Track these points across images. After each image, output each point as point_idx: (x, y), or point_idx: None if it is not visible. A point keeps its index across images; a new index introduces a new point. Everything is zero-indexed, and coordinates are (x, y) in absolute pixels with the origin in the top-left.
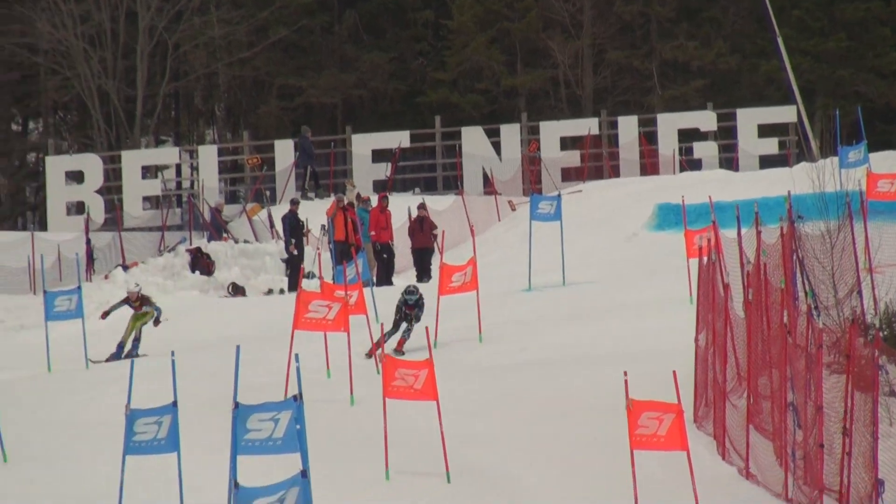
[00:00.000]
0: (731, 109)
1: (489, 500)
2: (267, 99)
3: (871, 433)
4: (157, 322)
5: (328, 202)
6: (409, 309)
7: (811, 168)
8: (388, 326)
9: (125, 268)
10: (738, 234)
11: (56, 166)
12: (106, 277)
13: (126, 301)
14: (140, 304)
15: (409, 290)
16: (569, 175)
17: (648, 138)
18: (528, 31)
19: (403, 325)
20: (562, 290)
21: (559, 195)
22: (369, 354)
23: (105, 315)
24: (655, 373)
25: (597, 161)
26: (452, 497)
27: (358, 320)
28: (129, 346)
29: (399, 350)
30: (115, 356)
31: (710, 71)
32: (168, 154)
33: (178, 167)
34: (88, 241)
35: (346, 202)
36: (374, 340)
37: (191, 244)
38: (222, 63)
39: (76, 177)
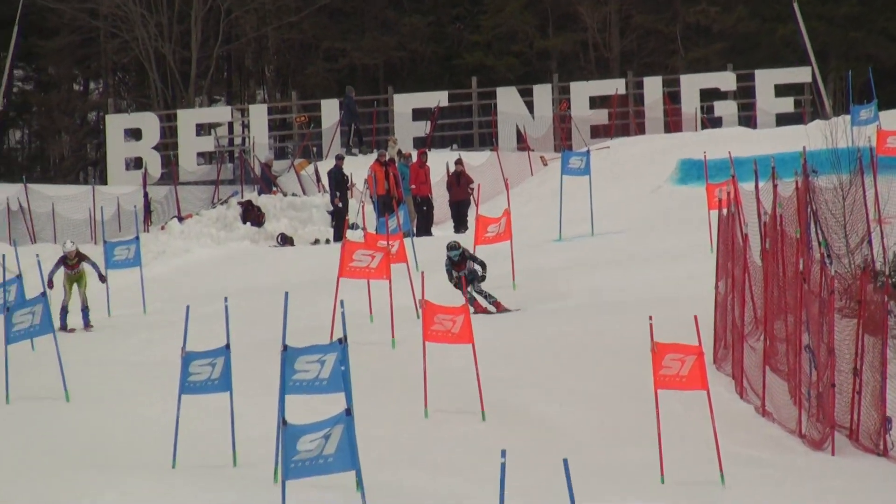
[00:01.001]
0: (749, 70)
1: (521, 437)
2: (313, 61)
3: (879, 374)
4: (102, 278)
5: (371, 158)
6: (458, 268)
7: (825, 125)
8: (429, 276)
9: (180, 219)
10: (756, 187)
11: (115, 124)
12: (162, 228)
13: (62, 260)
14: (78, 261)
15: (451, 246)
16: (597, 132)
17: (672, 98)
18: None
19: (471, 288)
20: (590, 240)
21: (588, 151)
22: (476, 311)
23: (50, 283)
24: (678, 317)
25: (623, 119)
26: (487, 433)
27: (399, 268)
28: (73, 318)
29: (502, 309)
30: (63, 326)
31: (731, 34)
32: (221, 113)
33: (231, 125)
34: (146, 195)
35: (388, 158)
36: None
37: (242, 197)
38: (271, 27)
39: (134, 134)
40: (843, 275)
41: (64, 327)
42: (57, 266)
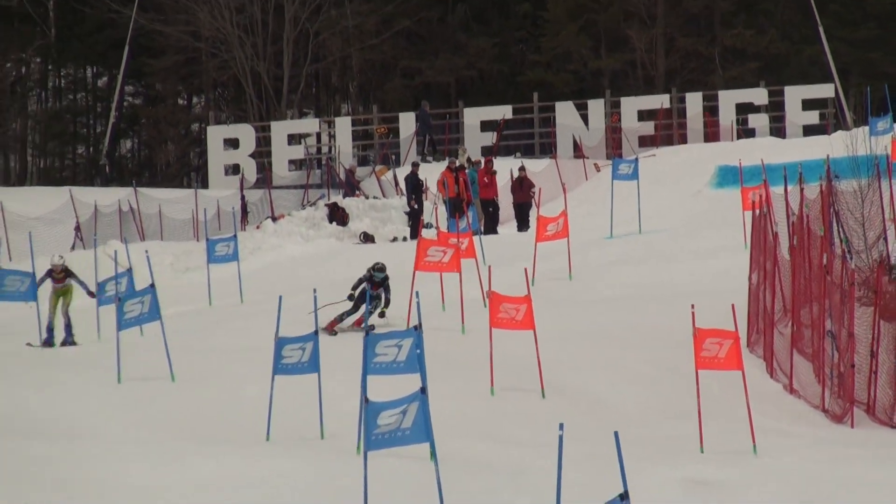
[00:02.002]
0: (779, 87)
1: (577, 413)
2: (392, 78)
3: (894, 356)
4: (90, 293)
5: (443, 165)
6: (373, 287)
7: (846, 136)
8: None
9: (274, 219)
10: (786, 190)
11: (216, 134)
12: (258, 227)
13: (49, 274)
14: (64, 276)
15: (380, 268)
16: (644, 142)
17: (711, 111)
18: (610, 21)
19: (363, 308)
20: (638, 237)
21: (636, 159)
22: (327, 329)
23: (37, 286)
24: (716, 306)
25: (668, 130)
26: (547, 410)
27: (468, 263)
28: (60, 331)
29: (358, 325)
30: (48, 342)
31: (763, 55)
32: (309, 124)
33: (318, 135)
34: (243, 197)
35: (458, 164)
36: (335, 317)
37: (329, 199)
38: (355, 48)
39: (233, 143)
40: (862, 268)
41: (49, 343)
42: (44, 278)
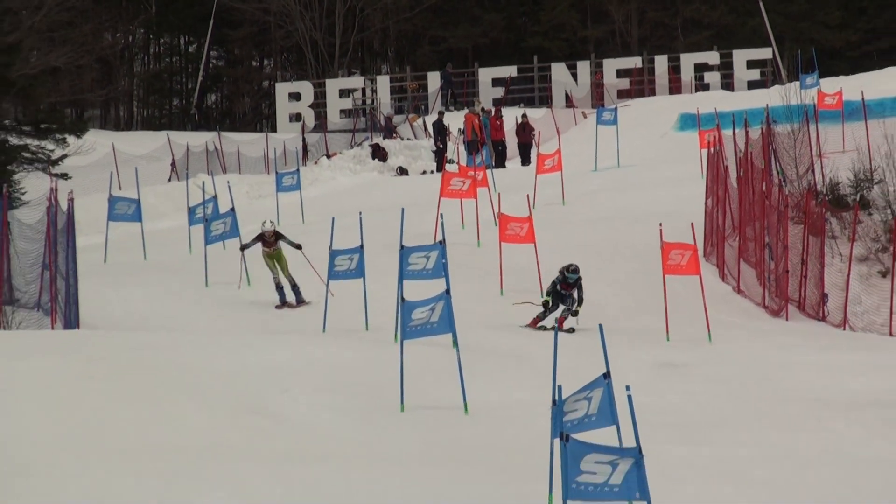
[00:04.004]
0: (729, 51)
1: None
2: (422, 44)
3: (819, 263)
4: (299, 247)
5: (462, 114)
6: (565, 287)
7: (781, 89)
8: (504, 196)
9: (328, 157)
10: (734, 132)
11: (282, 90)
12: (316, 163)
13: (261, 237)
14: (275, 239)
15: (573, 269)
16: (622, 94)
17: (674, 70)
18: None
19: (560, 307)
20: (617, 170)
21: (616, 108)
22: (530, 326)
23: (243, 248)
24: (679, 224)
25: (640, 85)
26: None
27: (482, 191)
28: (289, 291)
29: (560, 323)
30: (282, 300)
31: (716, 25)
32: (356, 82)
33: (363, 90)
34: (304, 139)
35: (478, 111)
36: (536, 315)
37: (371, 141)
38: (392, 20)
39: (295, 96)
40: (794, 194)
41: (282, 303)
42: (254, 241)
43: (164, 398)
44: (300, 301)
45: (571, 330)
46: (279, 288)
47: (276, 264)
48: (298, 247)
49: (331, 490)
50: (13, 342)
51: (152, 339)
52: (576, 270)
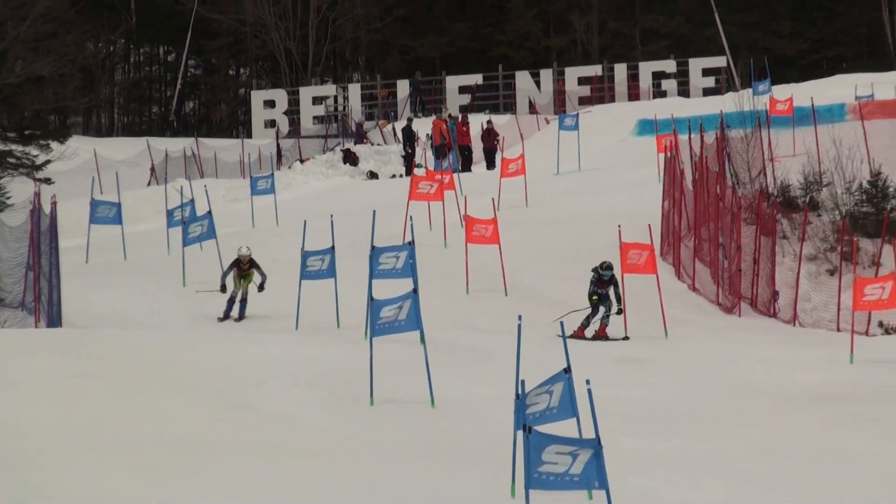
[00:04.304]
0: (685, 59)
1: (532, 307)
2: (391, 53)
3: (770, 262)
4: (261, 287)
5: (430, 120)
6: (601, 286)
7: (735, 96)
8: (470, 199)
9: (301, 161)
10: (689, 137)
11: (257, 97)
12: (289, 168)
13: (236, 263)
14: (249, 266)
15: (607, 266)
16: (583, 101)
17: (633, 77)
18: (557, 9)
19: (601, 310)
20: (578, 173)
21: (577, 114)
22: (574, 335)
23: (223, 288)
24: (637, 226)
25: (600, 92)
26: (509, 305)
27: (449, 194)
28: (237, 305)
29: (602, 335)
30: (227, 314)
31: (673, 34)
32: (328, 89)
33: (335, 97)
34: (278, 145)
35: (445, 117)
36: (580, 323)
37: (343, 146)
38: (363, 31)
39: (270, 104)
40: (747, 196)
41: (226, 316)
42: (230, 268)
43: (146, 393)
44: (242, 316)
45: (626, 338)
46: (231, 301)
47: (243, 282)
48: (261, 286)
49: (306, 480)
50: None
51: (133, 337)
52: (609, 267)
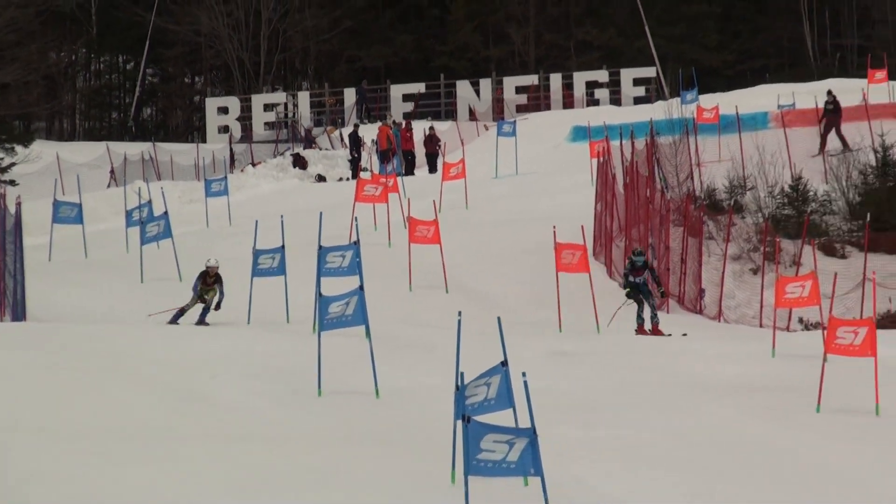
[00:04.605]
0: (617, 69)
1: (471, 304)
2: (339, 63)
3: (697, 262)
4: (217, 306)
5: (376, 126)
6: (636, 273)
7: (664, 104)
8: (413, 202)
9: (253, 165)
10: (620, 143)
11: (211, 104)
12: (242, 171)
13: (203, 275)
14: (214, 280)
15: (639, 252)
16: (520, 109)
17: (567, 87)
18: (496, 22)
19: (646, 308)
20: (516, 177)
21: (514, 121)
22: (637, 332)
23: (192, 301)
24: (571, 226)
25: (536, 101)
26: (450, 302)
27: (393, 196)
28: (194, 311)
29: (658, 333)
30: (174, 319)
31: (605, 46)
32: (279, 97)
33: (285, 105)
34: (231, 149)
35: (389, 124)
36: (636, 322)
37: (293, 151)
38: (312, 41)
39: (224, 110)
40: (675, 199)
41: (174, 322)
42: (198, 281)
43: (106, 385)
44: (202, 321)
45: (684, 335)
46: (181, 312)
47: (207, 296)
48: (219, 305)
49: (257, 467)
50: None
51: (94, 331)
52: (641, 253)
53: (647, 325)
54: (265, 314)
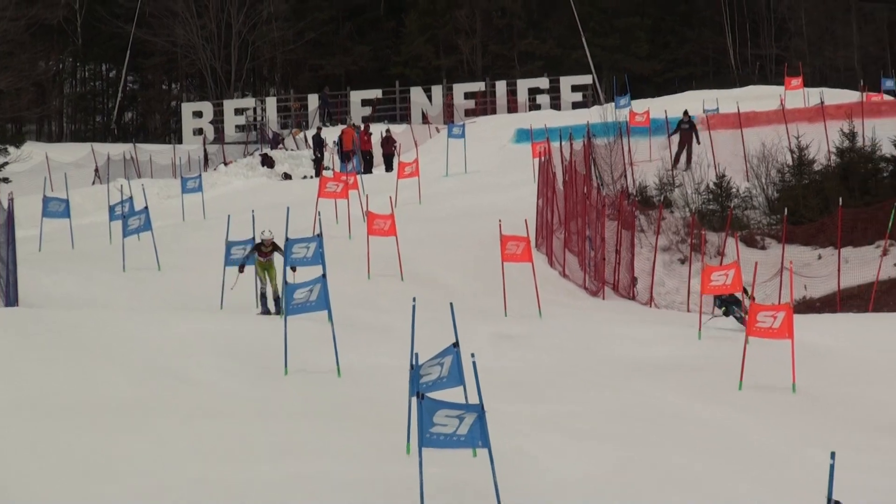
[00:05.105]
0: (557, 77)
1: (425, 290)
2: (303, 71)
3: (630, 252)
4: (293, 269)
5: (338, 129)
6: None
7: (600, 109)
8: (371, 198)
9: (225, 164)
10: (560, 145)
11: (187, 108)
12: (215, 169)
13: (257, 247)
14: (271, 249)
15: (730, 297)
16: (468, 113)
17: (512, 93)
18: (446, 34)
19: (735, 310)
20: (465, 175)
21: (463, 124)
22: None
23: (241, 268)
24: (515, 220)
25: (483, 105)
26: (405, 289)
27: (353, 193)
28: (271, 303)
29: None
30: (264, 311)
31: (546, 56)
32: (248, 102)
33: (255, 109)
34: (205, 150)
35: (350, 127)
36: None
37: (261, 151)
38: (278, 52)
39: (198, 114)
40: (610, 195)
41: (266, 312)
42: (251, 252)
43: (90, 363)
44: (279, 311)
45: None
46: (262, 297)
47: (267, 274)
48: (293, 269)
49: (228, 438)
50: None
51: (80, 315)
52: (735, 301)
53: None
54: (236, 299)
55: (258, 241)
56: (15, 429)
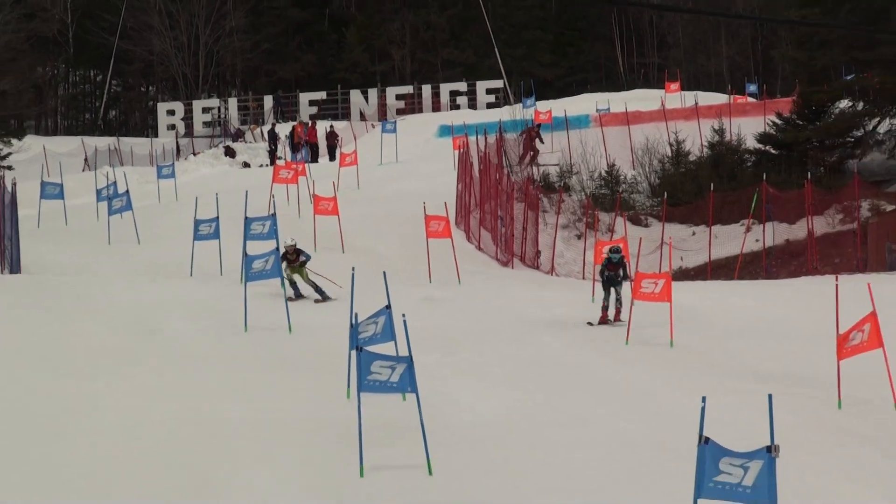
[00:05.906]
0: (473, 81)
1: (363, 261)
2: (260, 76)
3: (535, 229)
4: (307, 258)
5: (289, 125)
6: (610, 268)
7: (510, 108)
8: (318, 183)
9: (194, 154)
10: (476, 138)
11: (162, 107)
12: (185, 159)
13: (284, 256)
14: (296, 255)
15: (615, 250)
16: (400, 112)
17: (436, 95)
18: (380, 44)
19: (612, 294)
20: (396, 164)
21: (395, 121)
22: (600, 322)
23: (284, 279)
24: (438, 202)
25: (412, 105)
26: (346, 260)
27: (302, 179)
28: (311, 292)
29: (618, 320)
30: (296, 295)
31: (464, 63)
32: (214, 102)
33: (219, 108)
34: (177, 142)
35: (300, 123)
36: (601, 307)
37: (225, 143)
38: (239, 59)
39: (171, 112)
40: (518, 181)
41: (296, 297)
42: (280, 263)
43: (81, 320)
44: (325, 298)
45: (589, 323)
46: (293, 283)
47: (299, 276)
48: (306, 259)
49: (196, 382)
50: None
51: (72, 280)
52: (618, 251)
53: (611, 313)
54: (203, 268)
55: (282, 250)
56: (15, 371)
